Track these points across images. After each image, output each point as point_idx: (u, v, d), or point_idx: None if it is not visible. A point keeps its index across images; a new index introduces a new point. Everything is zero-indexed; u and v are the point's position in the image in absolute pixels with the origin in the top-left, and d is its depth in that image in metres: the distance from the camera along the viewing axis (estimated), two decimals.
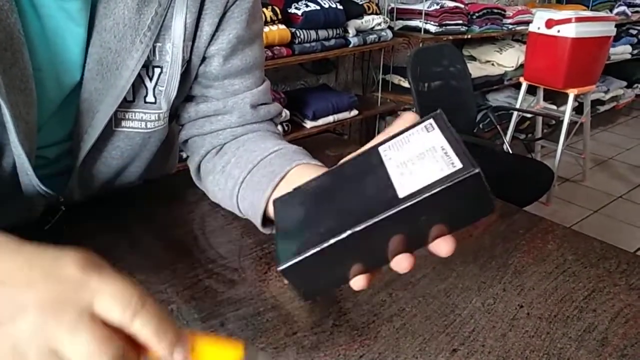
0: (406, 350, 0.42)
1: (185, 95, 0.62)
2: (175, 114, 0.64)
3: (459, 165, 0.31)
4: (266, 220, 0.53)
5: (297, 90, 2.52)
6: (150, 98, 0.57)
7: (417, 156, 0.33)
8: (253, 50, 0.61)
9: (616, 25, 2.71)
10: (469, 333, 0.44)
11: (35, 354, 0.25)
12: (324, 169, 0.50)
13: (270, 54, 2.01)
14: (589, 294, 0.50)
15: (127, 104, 0.55)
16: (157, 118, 0.58)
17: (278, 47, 2.04)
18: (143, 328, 0.27)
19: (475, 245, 0.57)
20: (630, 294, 0.50)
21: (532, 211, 0.67)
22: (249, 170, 0.55)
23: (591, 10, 3.59)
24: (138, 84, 0.55)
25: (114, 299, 0.26)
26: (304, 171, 0.51)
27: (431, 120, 0.34)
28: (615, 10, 3.80)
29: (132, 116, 0.57)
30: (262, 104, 0.63)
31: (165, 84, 0.56)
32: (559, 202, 2.79)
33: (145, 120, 0.58)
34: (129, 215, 0.61)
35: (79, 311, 0.25)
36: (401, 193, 0.32)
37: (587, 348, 0.43)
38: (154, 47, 0.54)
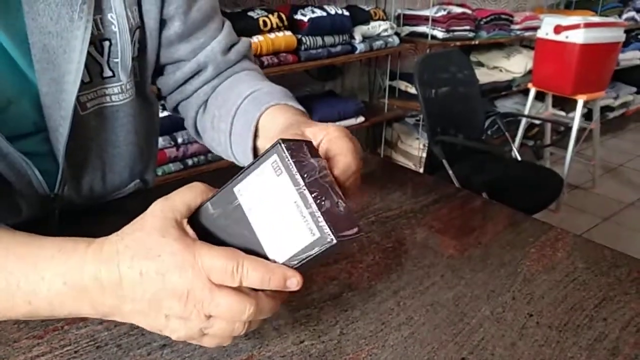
0: (415, 359, 0.42)
1: (155, 64, 0.62)
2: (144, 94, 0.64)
3: (317, 233, 0.33)
4: None
5: (303, 97, 2.52)
6: (107, 72, 0.56)
7: (277, 216, 0.34)
8: None
9: (625, 31, 2.70)
10: (478, 342, 0.44)
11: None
12: (295, 109, 0.53)
13: (276, 60, 2.02)
14: (599, 302, 0.50)
15: (85, 85, 0.54)
16: (120, 91, 0.58)
17: (284, 54, 2.05)
18: (252, 284, 0.34)
19: (484, 253, 0.57)
20: None
21: (541, 219, 0.66)
22: (231, 122, 0.57)
23: (600, 15, 3.57)
24: (91, 63, 0.54)
25: (219, 275, 0.33)
26: (274, 114, 0.52)
27: (275, 157, 0.34)
28: (624, 16, 3.78)
29: (94, 95, 0.56)
30: (230, 47, 0.64)
31: (119, 55, 0.55)
32: (569, 210, 2.77)
33: (109, 95, 0.57)
34: (126, 222, 0.61)
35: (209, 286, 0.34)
36: (272, 257, 0.35)
37: (597, 357, 0.43)
38: (96, 20, 0.52)
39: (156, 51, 0.61)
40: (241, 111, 0.56)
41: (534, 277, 0.53)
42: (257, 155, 0.53)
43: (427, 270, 0.54)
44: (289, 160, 0.33)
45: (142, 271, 0.34)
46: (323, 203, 0.33)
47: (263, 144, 0.53)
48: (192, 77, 0.63)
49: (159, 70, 0.65)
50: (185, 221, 0.36)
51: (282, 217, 0.33)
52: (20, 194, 0.55)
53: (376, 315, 0.47)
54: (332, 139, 0.41)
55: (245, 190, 0.35)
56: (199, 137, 0.67)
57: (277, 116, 0.52)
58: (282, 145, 0.33)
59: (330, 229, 0.32)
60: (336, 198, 0.35)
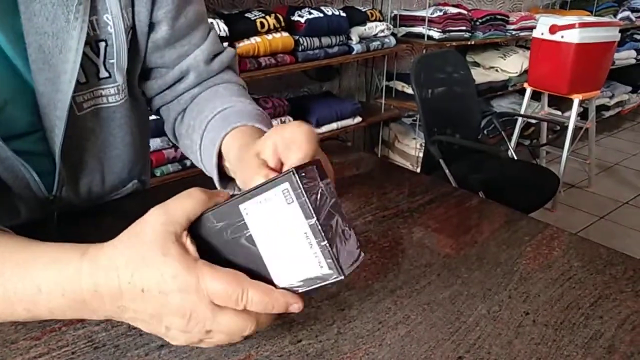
0: (411, 357, 0.42)
1: (141, 66, 0.63)
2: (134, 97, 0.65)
3: (325, 268, 0.33)
4: (225, 179, 0.55)
5: (301, 98, 2.52)
6: (103, 73, 0.56)
7: (284, 243, 0.34)
8: (194, 5, 0.62)
9: (620, 31, 2.71)
10: (475, 340, 0.44)
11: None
12: (260, 131, 0.52)
13: (273, 61, 2.02)
14: (595, 300, 0.50)
15: (81, 86, 0.54)
16: (116, 92, 0.58)
17: (281, 55, 2.05)
18: (255, 308, 0.34)
19: (480, 252, 0.57)
20: (637, 301, 0.50)
21: (537, 217, 0.67)
22: (201, 136, 0.58)
23: (595, 15, 3.59)
24: (86, 63, 0.54)
25: (222, 299, 0.33)
26: (236, 136, 0.52)
27: (287, 185, 0.33)
28: (619, 16, 3.80)
29: (90, 96, 0.56)
30: (214, 56, 0.64)
31: (115, 56, 0.55)
32: (565, 208, 2.78)
33: (105, 96, 0.58)
34: (124, 224, 0.61)
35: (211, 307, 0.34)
36: (276, 280, 0.36)
37: (594, 355, 0.43)
38: (91, 21, 0.52)
39: (144, 53, 0.61)
40: (210, 127, 0.57)
41: (530, 275, 0.53)
42: (222, 172, 0.54)
43: (423, 270, 0.54)
44: (301, 190, 0.33)
45: (144, 288, 0.33)
46: (332, 236, 0.34)
47: (226, 166, 0.53)
48: (174, 84, 0.64)
49: (144, 74, 0.65)
50: (185, 234, 0.35)
51: (290, 245, 0.34)
52: (19, 197, 0.55)
53: (373, 315, 0.47)
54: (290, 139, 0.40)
55: (252, 211, 0.35)
56: (175, 141, 0.68)
57: (237, 139, 0.52)
58: (296, 175, 0.33)
59: (338, 265, 0.33)
60: (343, 225, 0.35)
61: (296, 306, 0.35)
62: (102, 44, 0.54)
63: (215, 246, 0.37)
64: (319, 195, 0.34)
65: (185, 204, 0.36)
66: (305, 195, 0.33)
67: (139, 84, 0.66)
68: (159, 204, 0.36)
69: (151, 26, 0.59)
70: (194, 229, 0.36)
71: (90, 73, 0.55)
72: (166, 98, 0.65)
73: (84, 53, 0.51)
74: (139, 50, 0.60)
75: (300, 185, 0.33)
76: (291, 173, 0.33)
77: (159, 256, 0.33)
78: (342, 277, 0.33)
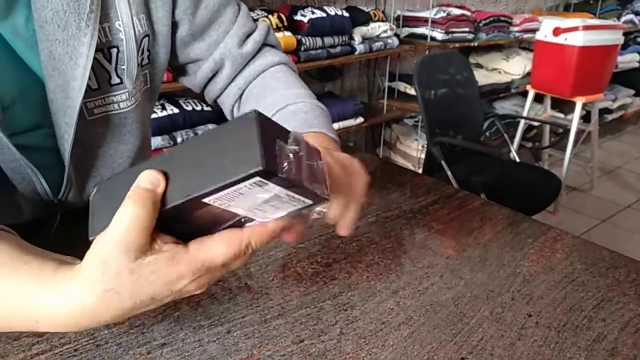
0: (414, 358, 0.42)
1: (175, 65, 0.63)
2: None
3: (309, 203, 0.33)
4: None
5: None
6: (115, 80, 0.56)
7: (263, 206, 0.32)
8: None
9: (624, 34, 2.71)
10: (477, 342, 0.44)
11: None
12: (328, 139, 0.52)
13: None
14: (598, 303, 0.50)
15: (93, 92, 0.54)
16: (127, 97, 0.58)
17: None
18: (258, 243, 0.34)
19: (483, 254, 0.57)
20: None
21: (539, 220, 0.67)
22: None
23: (598, 18, 3.59)
24: (99, 70, 0.54)
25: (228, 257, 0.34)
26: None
27: (257, 179, 0.29)
28: (623, 19, 3.79)
29: (102, 102, 0.56)
30: (245, 38, 0.64)
31: (125, 62, 0.55)
32: (567, 212, 2.78)
33: (117, 102, 0.58)
34: None
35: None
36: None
37: (596, 358, 0.43)
38: (104, 27, 0.52)
39: (168, 57, 0.61)
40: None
41: (533, 277, 0.53)
42: None
43: (426, 271, 0.54)
44: (277, 178, 0.30)
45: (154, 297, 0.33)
46: (305, 177, 0.31)
47: None
48: (214, 75, 0.64)
49: (182, 71, 0.66)
50: (156, 244, 0.33)
51: (270, 205, 0.32)
52: (23, 198, 0.55)
53: (376, 315, 0.47)
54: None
55: (222, 197, 0.32)
56: None
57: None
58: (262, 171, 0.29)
59: (317, 197, 0.32)
60: (316, 163, 0.33)
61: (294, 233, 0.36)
62: (114, 51, 0.54)
63: (187, 221, 0.34)
64: (291, 165, 0.31)
65: (131, 232, 0.33)
66: (283, 173, 0.30)
67: (180, 80, 0.67)
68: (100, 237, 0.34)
69: (173, 25, 0.59)
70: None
71: (102, 79, 0.55)
72: (213, 93, 0.65)
73: (96, 59, 0.52)
74: (159, 54, 0.60)
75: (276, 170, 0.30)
76: (260, 167, 0.29)
77: (161, 287, 0.33)
78: (327, 197, 0.33)
